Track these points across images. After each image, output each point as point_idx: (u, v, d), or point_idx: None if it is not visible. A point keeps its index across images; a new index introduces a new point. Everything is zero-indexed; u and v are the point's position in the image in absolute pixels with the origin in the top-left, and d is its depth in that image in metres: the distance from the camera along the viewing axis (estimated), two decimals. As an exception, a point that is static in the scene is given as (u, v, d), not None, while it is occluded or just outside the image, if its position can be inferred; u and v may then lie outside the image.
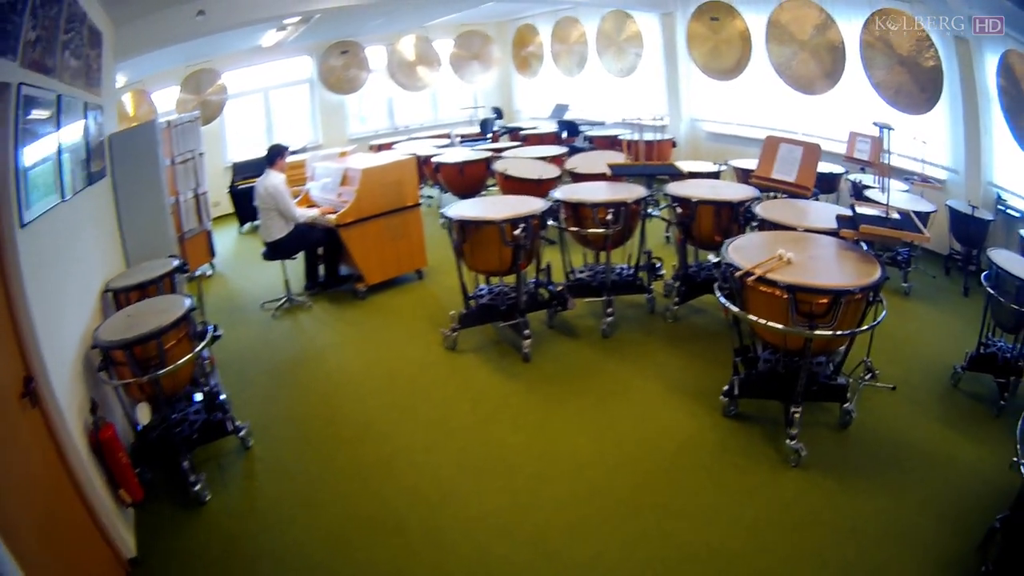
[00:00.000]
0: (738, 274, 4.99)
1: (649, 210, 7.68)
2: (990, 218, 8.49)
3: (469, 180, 11.70)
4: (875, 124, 6.75)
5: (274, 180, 8.06)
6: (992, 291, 5.61)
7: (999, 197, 8.89)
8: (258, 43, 13.45)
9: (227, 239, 12.31)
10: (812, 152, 7.41)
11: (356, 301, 8.78)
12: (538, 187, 9.69)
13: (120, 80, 9.78)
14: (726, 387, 5.77)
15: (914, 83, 9.36)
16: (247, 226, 11.46)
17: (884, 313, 4.92)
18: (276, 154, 8.29)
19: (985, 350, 6.01)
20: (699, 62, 13.40)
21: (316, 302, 8.86)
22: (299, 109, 16.13)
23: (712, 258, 5.70)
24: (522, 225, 6.62)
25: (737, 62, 12.83)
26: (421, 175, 12.08)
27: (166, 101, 12.44)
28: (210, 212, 10.52)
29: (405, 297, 8.95)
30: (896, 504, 4.63)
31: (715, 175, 10.31)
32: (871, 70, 9.81)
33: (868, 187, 9.03)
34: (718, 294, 5.38)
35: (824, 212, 6.62)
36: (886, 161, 6.86)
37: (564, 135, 15.12)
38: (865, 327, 4.91)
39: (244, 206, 10.34)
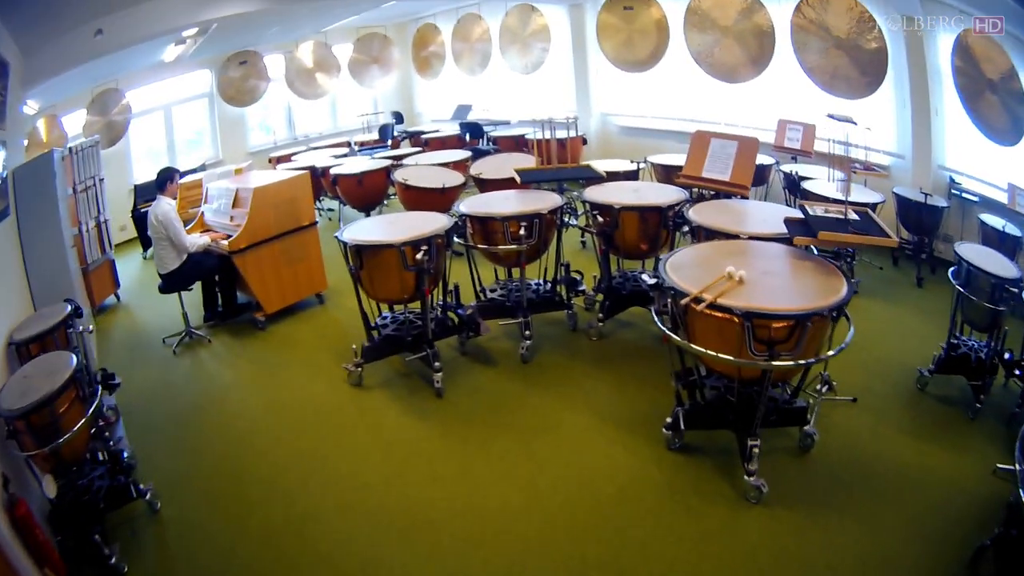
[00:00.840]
0: (685, 300, 4.20)
1: (566, 219, 6.89)
2: (944, 204, 8.05)
3: (369, 192, 10.86)
4: (832, 117, 5.96)
5: (164, 207, 7.40)
6: (962, 289, 5.26)
7: (952, 181, 8.50)
8: (160, 58, 12.85)
9: (132, 266, 11.15)
10: (748, 147, 6.70)
11: (256, 333, 8.03)
12: (442, 196, 9.19)
13: (33, 107, 9.66)
14: (669, 419, 5.07)
15: (854, 66, 8.87)
16: (150, 251, 10.26)
17: (852, 332, 4.29)
18: (165, 179, 7.65)
19: (955, 352, 5.60)
20: (610, 54, 12.78)
21: (216, 335, 8.13)
22: (199, 124, 15.32)
23: (646, 278, 4.86)
24: (424, 248, 5.86)
25: (652, 53, 12.24)
26: (320, 188, 11.50)
27: (75, 125, 11.85)
28: (112, 240, 9.98)
29: (307, 325, 8.20)
30: (872, 531, 4.19)
31: (634, 174, 9.52)
32: (803, 54, 9.33)
33: (806, 179, 8.44)
34: (656, 320, 4.61)
35: (765, 213, 6.02)
36: (844, 156, 6.20)
37: (467, 137, 14.28)
38: (832, 352, 4.26)
39: (147, 230, 8.88)
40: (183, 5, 8.92)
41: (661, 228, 6.46)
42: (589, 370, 6.53)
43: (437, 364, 6.21)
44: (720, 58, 10.79)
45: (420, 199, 9.26)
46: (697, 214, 5.92)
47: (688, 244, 5.75)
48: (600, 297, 7.40)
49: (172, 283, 7.68)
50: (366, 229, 6.42)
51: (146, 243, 10.44)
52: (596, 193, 6.85)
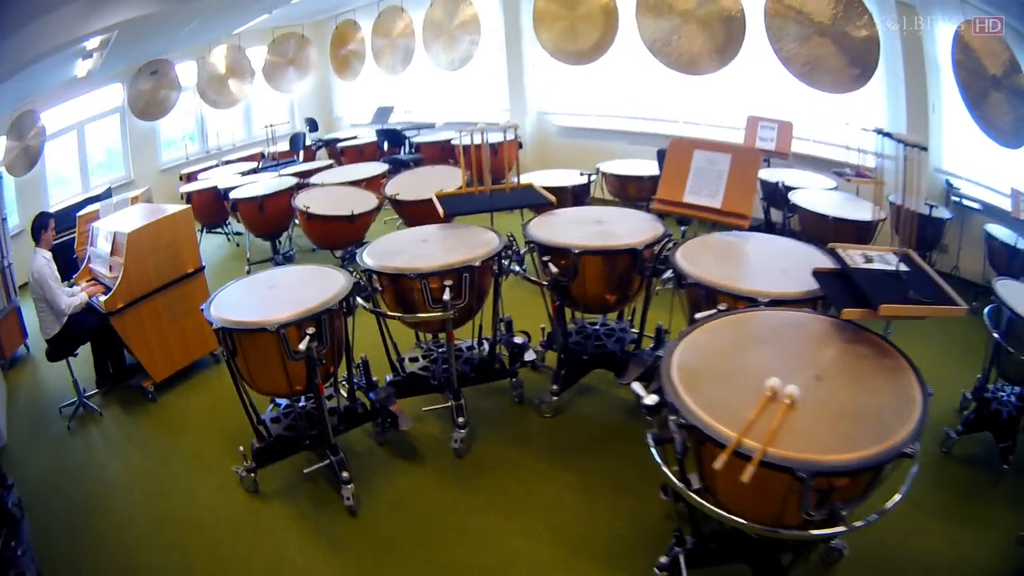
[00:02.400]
0: (722, 459, 2.54)
1: (507, 264, 5.24)
2: (948, 216, 7.07)
3: (272, 218, 9.28)
4: (886, 135, 4.12)
5: (38, 263, 6.30)
6: (1001, 339, 4.32)
7: (950, 186, 7.54)
8: (73, 74, 11.66)
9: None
10: (747, 161, 5.14)
11: (146, 405, 6.73)
12: (351, 225, 7.88)
13: None
14: (664, 558, 3.72)
15: (842, 56, 7.84)
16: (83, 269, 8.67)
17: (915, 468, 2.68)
18: (39, 227, 6.63)
19: (986, 409, 4.71)
20: (549, 45, 11.45)
21: (108, 405, 6.86)
22: (112, 142, 13.79)
23: (643, 394, 3.08)
24: (310, 331, 4.32)
25: (598, 43, 10.87)
26: (224, 212, 10.15)
27: None
28: (15, 285, 8.85)
29: (199, 396, 6.88)
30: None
31: (584, 189, 8.09)
32: (779, 43, 8.24)
33: (793, 188, 7.38)
34: (656, 457, 2.99)
35: (777, 254, 4.51)
36: (874, 175, 5.48)
37: (385, 146, 12.82)
38: (898, 497, 2.73)
39: (61, 261, 7.69)
40: (73, 17, 7.78)
41: (634, 274, 4.96)
42: (545, 468, 5.03)
43: (345, 475, 4.73)
44: (679, 47, 9.54)
45: (325, 230, 7.98)
46: (688, 261, 4.38)
47: (666, 292, 4.83)
48: (552, 357, 5.96)
49: (57, 349, 6.47)
50: (235, 301, 4.78)
51: (63, 274, 8.53)
52: (545, 230, 5.22)
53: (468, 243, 5.17)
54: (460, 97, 14.08)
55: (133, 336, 6.60)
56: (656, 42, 9.71)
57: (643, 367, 5.20)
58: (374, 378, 5.40)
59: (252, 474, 5.02)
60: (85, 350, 6.81)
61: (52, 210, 10.36)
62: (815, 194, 7.08)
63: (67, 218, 8.91)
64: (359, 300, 4.80)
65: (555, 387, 5.53)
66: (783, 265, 4.18)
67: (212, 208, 10.05)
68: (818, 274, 3.76)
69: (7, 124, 10.73)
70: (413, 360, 5.84)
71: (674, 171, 5.30)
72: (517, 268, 5.16)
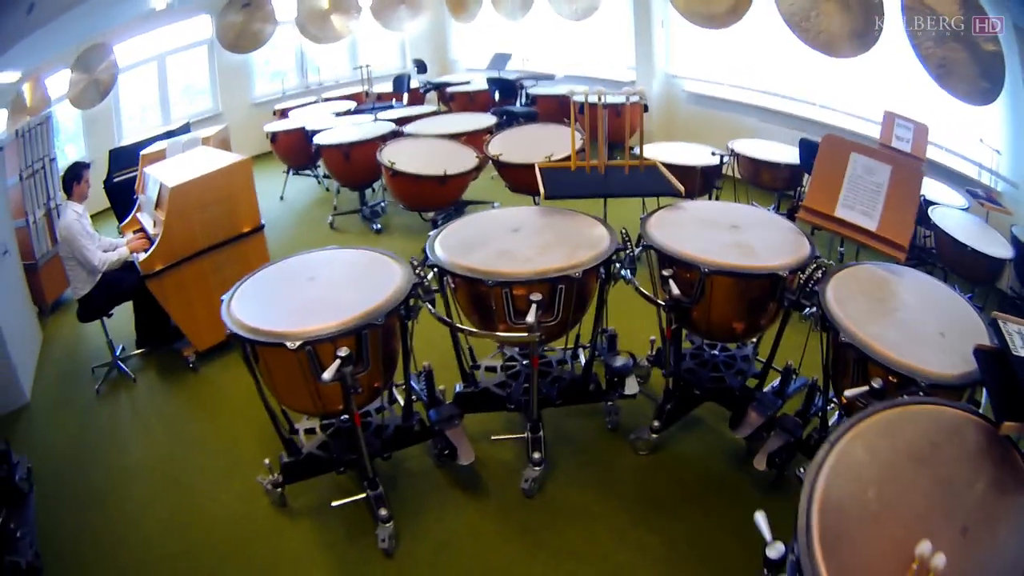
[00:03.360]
0: None
1: (622, 272, 4.07)
2: None
3: (359, 168, 8.28)
4: None
5: (68, 217, 5.60)
6: None
7: None
8: (150, 7, 11.29)
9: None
10: (908, 176, 4.07)
11: (186, 375, 5.99)
12: (442, 187, 6.89)
13: (11, 76, 8.53)
14: None
15: (974, 64, 6.75)
16: (127, 221, 8.00)
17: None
18: (71, 178, 5.88)
19: None
20: (679, 4, 9.93)
21: (145, 370, 6.15)
22: (197, 75, 13.02)
23: (769, 538, 2.29)
24: (342, 352, 3.22)
25: (733, 7, 9.40)
26: (312, 155, 9.15)
27: (59, 85, 10.18)
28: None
29: (244, 372, 5.24)
30: None
31: (715, 171, 6.84)
32: (917, 39, 7.07)
33: (934, 204, 6.32)
34: None
35: (930, 304, 3.51)
36: None
37: (497, 96, 11.69)
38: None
39: (123, 202, 7.61)
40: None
41: (770, 301, 3.86)
42: (626, 525, 4.00)
43: (383, 513, 3.82)
44: (818, 24, 8.21)
45: (413, 190, 7.04)
46: (839, 303, 3.39)
47: (807, 327, 3.64)
48: (657, 377, 4.99)
49: (88, 310, 5.78)
50: (261, 295, 3.76)
51: (121, 216, 8.11)
52: (668, 231, 4.07)
53: (570, 239, 4.03)
54: (583, 50, 12.80)
55: (174, 300, 5.78)
56: (794, 16, 8.39)
57: (764, 417, 4.15)
58: (440, 387, 4.42)
59: (279, 489, 4.14)
60: (126, 306, 6.12)
61: (125, 143, 9.95)
62: (951, 214, 6.12)
63: (134, 154, 8.15)
64: (424, 299, 3.78)
65: (656, 423, 4.44)
66: (941, 325, 3.26)
67: (299, 150, 9.18)
68: (979, 353, 2.79)
69: (73, 58, 10.30)
70: (490, 370, 4.79)
71: (826, 175, 4.22)
72: (627, 275, 4.01)
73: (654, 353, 5.01)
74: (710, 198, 6.76)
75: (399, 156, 7.03)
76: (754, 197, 7.82)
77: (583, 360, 4.75)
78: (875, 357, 3.01)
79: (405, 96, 12.28)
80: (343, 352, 3.19)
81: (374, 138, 8.12)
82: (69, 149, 10.34)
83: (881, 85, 8.14)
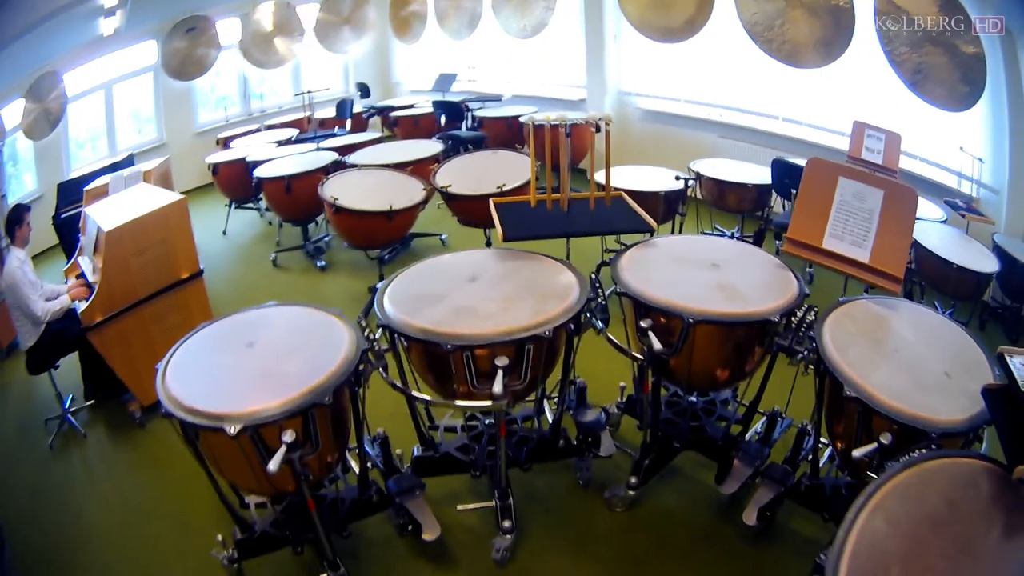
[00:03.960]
0: None
1: (591, 320, 3.64)
2: None
3: (301, 202, 7.82)
4: None
5: (9, 264, 5.30)
6: None
7: None
8: (98, 33, 10.92)
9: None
10: (901, 201, 3.79)
11: (132, 431, 5.70)
12: (389, 223, 6.37)
13: None
14: None
15: (955, 68, 6.67)
16: (71, 262, 7.53)
17: None
18: (12, 221, 5.61)
19: None
20: (634, 17, 9.70)
21: (94, 423, 5.84)
22: (143, 103, 12.70)
23: None
24: (287, 438, 2.85)
25: (691, 19, 9.13)
26: (254, 189, 8.53)
27: (14, 115, 9.88)
28: None
29: None
30: None
31: (679, 195, 6.49)
32: (889, 45, 6.98)
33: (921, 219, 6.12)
34: None
35: (931, 339, 3.27)
36: None
37: (442, 120, 11.20)
38: None
39: (71, 239, 7.24)
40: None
41: (758, 347, 3.53)
42: None
43: None
44: (783, 34, 7.98)
45: (358, 227, 6.52)
46: (838, 349, 3.11)
47: (794, 368, 3.41)
48: (629, 425, 4.60)
49: (36, 362, 5.49)
50: (197, 364, 3.29)
51: (69, 253, 7.64)
52: (643, 275, 3.67)
53: (535, 289, 3.61)
54: (531, 68, 12.50)
55: (116, 354, 5.40)
56: (757, 25, 8.18)
57: (752, 468, 3.85)
58: (397, 451, 4.04)
59: (235, 564, 3.70)
60: (74, 355, 5.77)
61: (73, 175, 9.87)
62: (931, 229, 5.95)
63: (81, 188, 7.87)
64: (375, 366, 3.40)
65: (633, 479, 4.06)
66: (945, 363, 3.06)
67: (241, 182, 8.68)
68: (988, 393, 2.59)
69: (25, 87, 9.94)
70: (450, 430, 4.39)
71: (812, 202, 3.89)
72: (600, 326, 3.61)
73: (624, 400, 4.63)
74: (673, 226, 6.39)
75: (342, 190, 6.60)
76: (718, 220, 7.52)
77: (550, 416, 4.38)
78: (884, 411, 2.77)
79: (348, 122, 11.90)
80: (288, 437, 2.79)
81: (316, 169, 7.74)
82: (27, 178, 10.24)
83: (850, 95, 7.96)
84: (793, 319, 3.34)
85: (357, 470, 3.82)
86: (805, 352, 3.25)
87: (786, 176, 6.36)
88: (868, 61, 7.26)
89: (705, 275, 3.63)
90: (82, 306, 5.18)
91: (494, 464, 3.79)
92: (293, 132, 11.32)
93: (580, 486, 4.34)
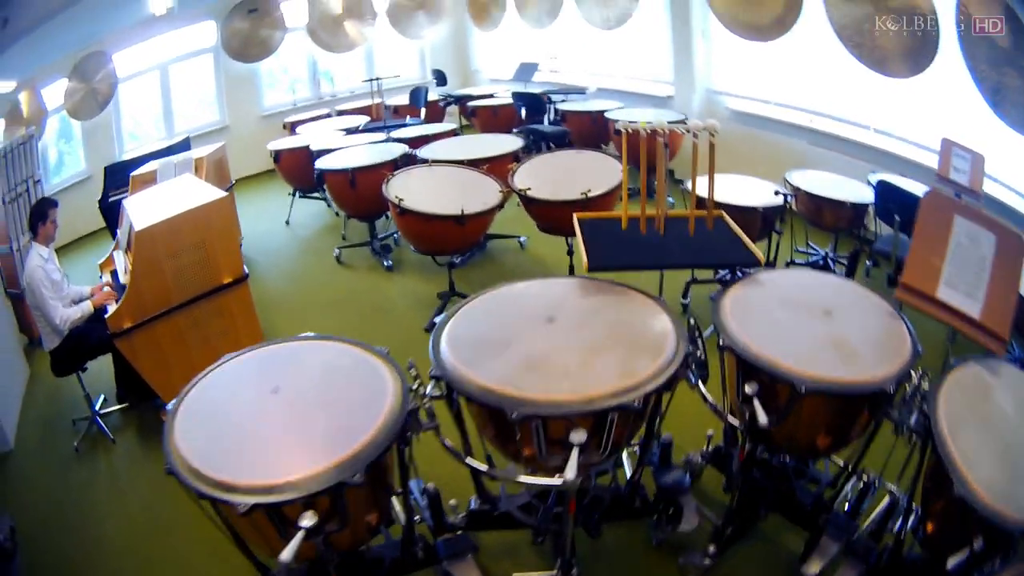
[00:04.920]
0: None
1: (690, 375, 2.95)
2: None
3: (366, 197, 7.14)
4: None
5: (31, 264, 4.98)
6: None
7: None
8: (148, 12, 10.67)
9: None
10: (1012, 250, 3.28)
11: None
12: (460, 228, 5.66)
13: (7, 86, 8.45)
14: None
15: None
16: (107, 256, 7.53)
17: None
18: (37, 217, 5.29)
19: None
20: (722, 13, 9.06)
21: (124, 428, 5.51)
22: (204, 85, 12.36)
23: None
24: (306, 523, 2.26)
25: (780, 17, 8.45)
26: (318, 180, 7.68)
27: (56, 95, 9.87)
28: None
29: None
30: None
31: (776, 211, 5.74)
32: (974, 60, 6.23)
33: None
34: None
35: None
36: None
37: (523, 113, 10.53)
38: None
39: (116, 223, 6.64)
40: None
41: (865, 415, 2.92)
42: None
43: None
44: (873, 39, 7.28)
45: (425, 231, 5.92)
46: (955, 439, 2.52)
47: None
48: (712, 479, 4.10)
49: (61, 364, 5.16)
50: (216, 415, 2.72)
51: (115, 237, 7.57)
52: (751, 328, 3.02)
53: (625, 337, 2.95)
54: (616, 61, 11.62)
55: (146, 360, 4.86)
56: (846, 28, 7.50)
57: (840, 543, 3.31)
58: (451, 501, 3.55)
59: None
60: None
61: (126, 157, 9.71)
62: None
63: (122, 172, 7.62)
64: (425, 427, 2.83)
65: (712, 548, 3.52)
66: None
67: (305, 171, 8.11)
68: None
69: (69, 66, 9.97)
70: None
71: (929, 242, 3.30)
72: (697, 383, 2.98)
73: (710, 451, 4.04)
74: (769, 244, 5.73)
75: (409, 189, 6.04)
76: (812, 237, 6.83)
77: (628, 468, 3.84)
78: (987, 514, 2.30)
79: (422, 111, 11.31)
80: (308, 521, 2.24)
81: (383, 163, 7.19)
82: (70, 160, 10.17)
83: (936, 109, 7.20)
84: (908, 386, 2.76)
85: (403, 518, 3.27)
86: (915, 426, 2.71)
87: (890, 200, 5.72)
88: (953, 75, 6.60)
89: (817, 326, 3.03)
90: (111, 308, 4.75)
91: (560, 534, 3.17)
92: (363, 119, 10.83)
93: (653, 545, 3.75)
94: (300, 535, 2.22)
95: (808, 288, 3.41)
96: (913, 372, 2.77)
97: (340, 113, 11.90)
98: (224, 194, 5.09)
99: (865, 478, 3.42)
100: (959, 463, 2.40)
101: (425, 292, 6.94)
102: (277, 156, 8.76)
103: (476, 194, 5.99)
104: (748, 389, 2.80)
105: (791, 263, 6.58)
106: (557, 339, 2.92)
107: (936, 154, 5.90)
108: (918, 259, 3.24)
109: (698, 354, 2.94)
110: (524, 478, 2.76)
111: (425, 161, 7.13)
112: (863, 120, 8.09)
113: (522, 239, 7.85)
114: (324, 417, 2.56)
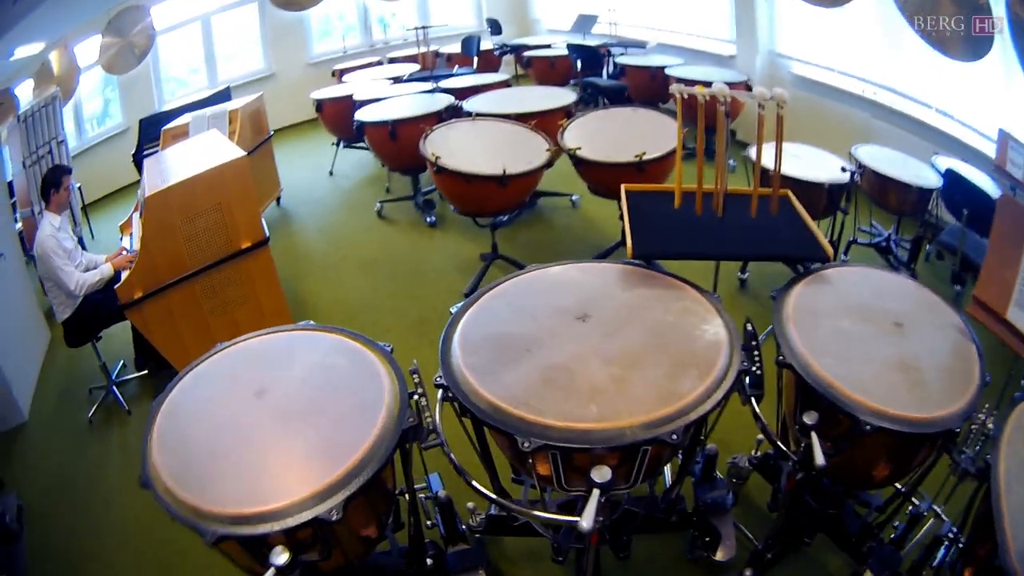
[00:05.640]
0: None
1: (741, 390, 2.46)
2: None
3: (407, 151, 6.45)
4: None
5: (43, 232, 4.69)
6: None
7: None
8: None
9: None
10: None
11: None
12: (502, 189, 5.20)
13: (33, 48, 8.05)
14: None
15: None
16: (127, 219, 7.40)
17: None
18: (50, 184, 4.96)
19: None
20: None
21: (140, 398, 5.23)
22: (249, 33, 12.10)
23: None
24: (279, 561, 1.89)
25: None
26: (359, 132, 7.24)
27: (89, 52, 9.68)
28: (83, 205, 8.15)
29: None
30: None
31: (841, 190, 5.26)
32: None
33: None
34: None
35: None
36: None
37: (579, 65, 10.09)
38: None
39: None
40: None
41: (927, 452, 2.55)
42: None
43: None
44: (936, 17, 6.61)
45: (464, 191, 5.45)
46: (1009, 491, 2.03)
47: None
48: (757, 488, 3.74)
49: (74, 336, 4.92)
50: (193, 422, 2.36)
51: None
52: (813, 343, 2.58)
53: (669, 344, 2.48)
54: (676, 16, 11.03)
55: (159, 332, 4.59)
56: (909, 4, 6.88)
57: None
58: (469, 504, 3.29)
59: None
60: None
61: (167, 108, 9.67)
62: None
63: (159, 126, 7.49)
64: (424, 445, 2.42)
65: (749, 572, 3.13)
66: None
67: (348, 121, 7.65)
68: None
69: (103, 23, 9.80)
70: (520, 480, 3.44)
71: (1003, 256, 3.01)
72: (751, 400, 2.51)
73: (759, 456, 3.61)
74: (833, 224, 5.28)
75: (449, 145, 5.58)
76: (875, 217, 6.33)
77: (667, 476, 3.45)
78: None
79: (475, 60, 10.89)
80: (280, 559, 1.90)
81: (426, 115, 6.75)
82: (115, 109, 10.05)
83: (996, 96, 6.64)
84: (973, 425, 2.32)
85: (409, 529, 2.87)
86: (974, 471, 2.30)
87: (957, 192, 5.37)
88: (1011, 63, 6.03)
89: (886, 345, 2.58)
90: (123, 275, 4.46)
91: (582, 559, 2.75)
92: (413, 68, 10.44)
93: (688, 559, 3.35)
94: (271, 572, 1.88)
95: (879, 292, 2.94)
96: (981, 412, 2.34)
97: (392, 61, 11.54)
98: (241, 154, 4.73)
99: (916, 501, 3.01)
100: (1008, 527, 1.97)
101: (468, 253, 6.56)
102: (320, 105, 8.42)
103: (521, 152, 5.52)
104: (807, 419, 2.36)
105: (854, 242, 6.13)
106: (588, 345, 2.47)
107: (994, 142, 5.59)
108: (992, 270, 2.98)
109: (755, 369, 2.49)
110: (539, 514, 2.31)
111: (468, 115, 6.68)
112: (925, 99, 7.55)
113: (574, 197, 7.40)
114: (309, 432, 2.18)
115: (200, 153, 4.95)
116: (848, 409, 2.29)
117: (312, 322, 2.78)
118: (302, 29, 12.39)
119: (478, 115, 6.57)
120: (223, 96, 8.85)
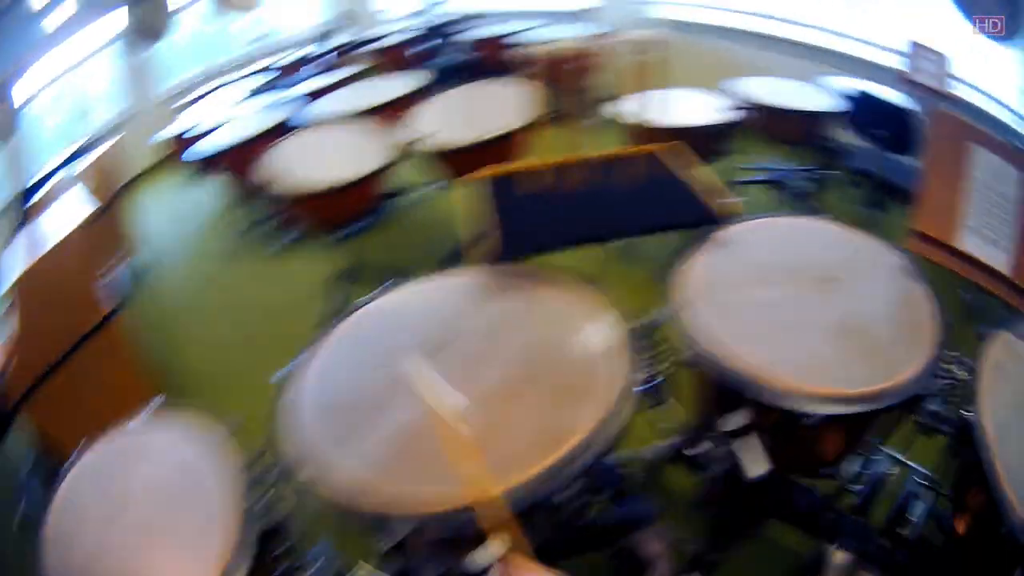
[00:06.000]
0: None
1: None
2: None
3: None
4: None
5: None
6: None
7: None
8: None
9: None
10: None
11: None
12: (342, 197, 4.71)
13: None
14: None
15: None
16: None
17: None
18: None
19: None
20: None
21: None
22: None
23: None
24: None
25: None
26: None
27: None
28: None
29: None
30: None
31: (725, 132, 5.19)
32: None
33: None
34: None
35: None
36: None
37: (433, 46, 9.91)
38: None
39: None
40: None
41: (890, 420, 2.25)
42: None
43: None
44: None
45: (307, 209, 5.12)
46: (1001, 448, 1.79)
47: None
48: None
49: None
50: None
51: None
52: (729, 323, 2.18)
53: (549, 369, 2.08)
54: None
55: (58, 427, 3.85)
56: None
57: (855, 552, 2.58)
58: None
59: None
60: None
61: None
62: None
63: None
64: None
65: None
66: None
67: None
68: None
69: None
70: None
71: (941, 179, 2.71)
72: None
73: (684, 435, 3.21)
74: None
75: (285, 162, 5.07)
76: (766, 153, 6.15)
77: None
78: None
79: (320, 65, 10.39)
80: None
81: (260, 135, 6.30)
82: None
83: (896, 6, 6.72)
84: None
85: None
86: (948, 428, 2.08)
87: (869, 113, 5.31)
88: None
89: (820, 308, 2.23)
90: None
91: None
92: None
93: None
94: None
95: (797, 244, 2.61)
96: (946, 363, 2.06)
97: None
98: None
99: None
100: (1007, 488, 1.74)
101: (318, 277, 5.90)
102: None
103: (359, 151, 5.07)
104: (731, 425, 1.98)
105: (745, 183, 5.92)
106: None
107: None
108: (931, 199, 2.62)
109: (657, 379, 2.09)
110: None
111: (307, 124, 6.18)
112: (814, 20, 7.56)
113: (433, 187, 6.71)
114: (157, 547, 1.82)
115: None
116: (782, 404, 1.94)
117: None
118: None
119: (318, 122, 6.12)
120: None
